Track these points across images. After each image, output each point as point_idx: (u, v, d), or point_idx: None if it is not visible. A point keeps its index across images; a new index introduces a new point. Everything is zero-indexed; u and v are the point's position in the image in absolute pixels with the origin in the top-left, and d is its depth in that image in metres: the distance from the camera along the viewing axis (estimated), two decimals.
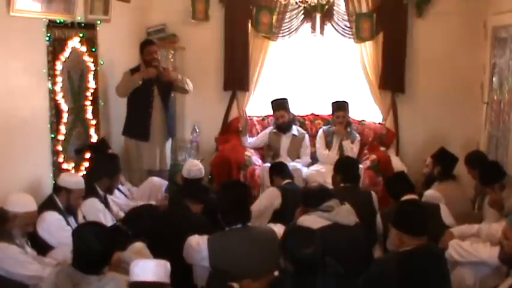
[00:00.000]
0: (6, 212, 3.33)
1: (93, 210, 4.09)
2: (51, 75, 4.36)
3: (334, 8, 6.33)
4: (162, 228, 3.77)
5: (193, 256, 3.40)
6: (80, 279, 2.75)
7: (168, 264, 2.67)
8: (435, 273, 3.06)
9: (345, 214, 3.64)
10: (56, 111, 4.43)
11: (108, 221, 4.04)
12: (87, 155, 4.90)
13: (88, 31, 4.90)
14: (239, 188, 3.66)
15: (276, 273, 3.03)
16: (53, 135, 4.41)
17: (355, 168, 4.71)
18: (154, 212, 3.88)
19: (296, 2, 5.42)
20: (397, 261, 3.04)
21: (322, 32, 6.43)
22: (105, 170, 4.33)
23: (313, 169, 5.90)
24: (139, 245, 3.48)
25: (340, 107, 6.13)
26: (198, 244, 3.36)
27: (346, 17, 6.36)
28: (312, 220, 3.58)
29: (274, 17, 6.38)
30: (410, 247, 3.07)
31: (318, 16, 6.37)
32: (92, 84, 5.02)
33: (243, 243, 3.32)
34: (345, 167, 4.59)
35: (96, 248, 2.76)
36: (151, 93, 5.45)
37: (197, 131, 6.50)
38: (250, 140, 6.35)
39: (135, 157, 5.53)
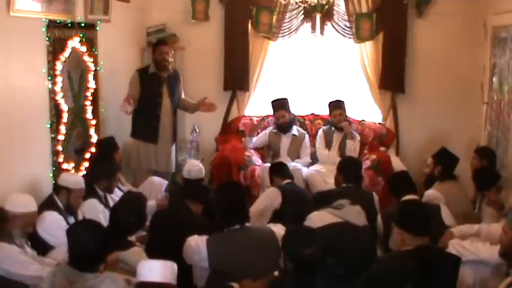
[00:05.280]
0: (6, 212, 3.34)
1: (93, 211, 4.10)
2: (51, 75, 4.36)
3: (334, 8, 6.33)
4: (163, 228, 3.76)
5: (192, 257, 3.40)
6: (76, 277, 2.75)
7: (174, 266, 2.65)
8: (444, 272, 3.06)
9: (355, 214, 3.66)
10: (56, 111, 4.43)
11: (108, 221, 4.03)
12: (87, 155, 4.90)
13: (88, 31, 4.90)
14: (234, 189, 3.66)
15: (276, 273, 3.04)
16: (53, 135, 4.41)
17: (358, 168, 4.71)
18: (139, 203, 3.66)
19: (296, 2, 5.41)
20: (403, 260, 3.04)
21: (322, 32, 6.43)
22: (102, 172, 4.34)
23: (313, 169, 5.90)
24: (136, 249, 3.47)
25: (336, 105, 6.16)
26: (197, 245, 3.35)
27: (346, 17, 6.36)
28: (322, 216, 3.60)
29: (274, 17, 6.38)
30: (412, 247, 3.07)
31: (318, 16, 6.37)
32: (92, 84, 5.01)
33: (241, 244, 3.32)
34: (347, 167, 4.59)
35: (90, 245, 2.76)
36: (160, 94, 5.45)
37: (197, 131, 6.49)
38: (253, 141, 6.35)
39: (143, 158, 5.53)
